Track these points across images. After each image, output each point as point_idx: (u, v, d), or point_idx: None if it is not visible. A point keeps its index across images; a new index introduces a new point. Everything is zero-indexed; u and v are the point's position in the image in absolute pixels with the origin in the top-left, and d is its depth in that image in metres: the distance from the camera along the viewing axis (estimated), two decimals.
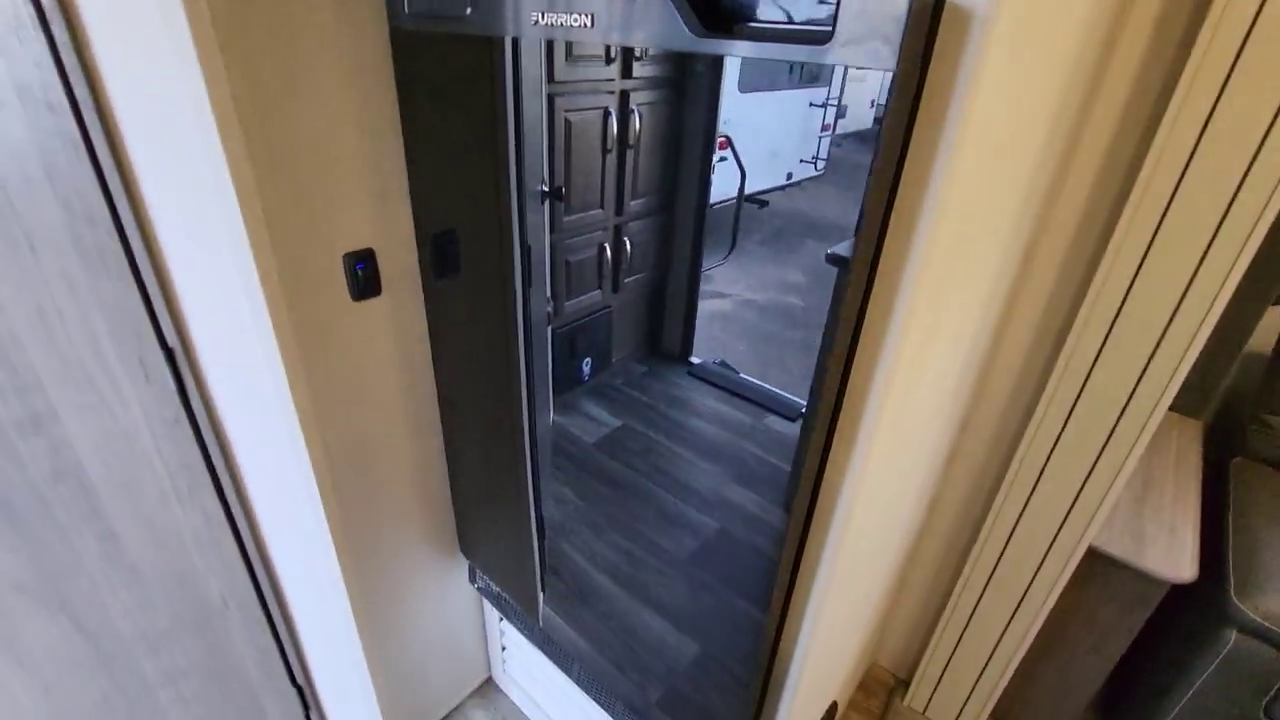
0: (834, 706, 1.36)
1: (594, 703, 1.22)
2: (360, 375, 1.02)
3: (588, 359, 2.27)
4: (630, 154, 2.25)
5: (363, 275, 0.95)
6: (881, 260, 0.67)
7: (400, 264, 1.01)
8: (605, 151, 2.17)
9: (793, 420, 2.08)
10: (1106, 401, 1.11)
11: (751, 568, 1.59)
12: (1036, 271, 1.13)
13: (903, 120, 0.59)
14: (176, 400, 0.92)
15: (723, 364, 2.43)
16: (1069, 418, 1.16)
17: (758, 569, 1.40)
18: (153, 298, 0.85)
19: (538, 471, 1.04)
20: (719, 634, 1.30)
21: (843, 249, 0.89)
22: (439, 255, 1.01)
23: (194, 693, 1.29)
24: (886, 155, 0.60)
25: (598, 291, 2.21)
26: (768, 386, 1.99)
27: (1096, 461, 1.16)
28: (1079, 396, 1.13)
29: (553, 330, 1.80)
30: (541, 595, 1.22)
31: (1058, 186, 1.04)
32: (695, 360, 2.30)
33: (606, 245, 2.23)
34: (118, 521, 1.04)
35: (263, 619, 1.17)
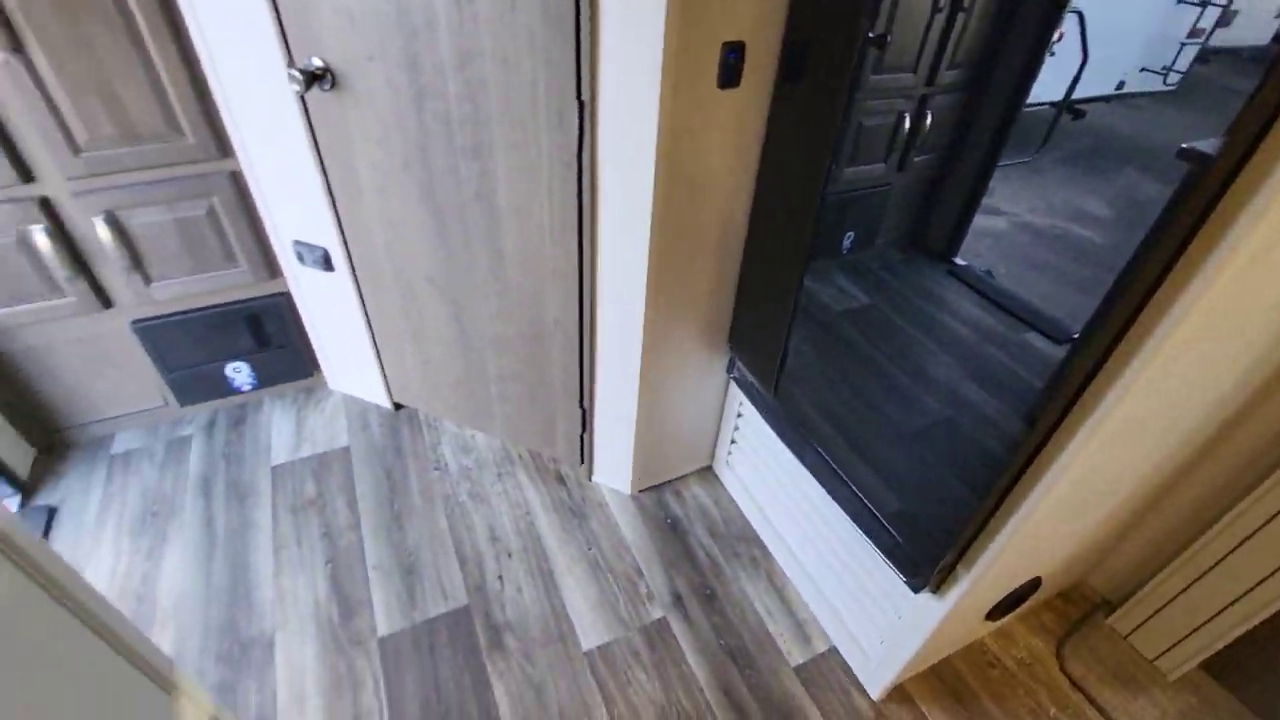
0: (1037, 581, 1.41)
1: (817, 485, 1.41)
2: (703, 162, 1.22)
3: (851, 233, 2.29)
4: (961, 16, 2.10)
5: (732, 64, 1.11)
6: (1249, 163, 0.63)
7: (760, 61, 1.15)
8: (936, 9, 2.06)
9: (1059, 342, 2.01)
10: None
11: (973, 459, 1.62)
12: None
13: None
14: (574, 148, 1.20)
15: (988, 273, 2.32)
16: None
17: (978, 462, 1.44)
18: (582, 57, 1.10)
19: (803, 276, 1.18)
20: (926, 501, 1.39)
21: (1205, 145, 0.83)
22: (792, 59, 1.13)
23: (514, 393, 1.73)
24: None
25: (882, 165, 2.18)
26: (1036, 303, 1.91)
27: None
28: None
29: (824, 195, 1.86)
30: (778, 378, 1.41)
31: None
32: (960, 261, 2.21)
33: (907, 115, 2.16)
34: (506, 242, 1.41)
35: (576, 348, 1.51)
